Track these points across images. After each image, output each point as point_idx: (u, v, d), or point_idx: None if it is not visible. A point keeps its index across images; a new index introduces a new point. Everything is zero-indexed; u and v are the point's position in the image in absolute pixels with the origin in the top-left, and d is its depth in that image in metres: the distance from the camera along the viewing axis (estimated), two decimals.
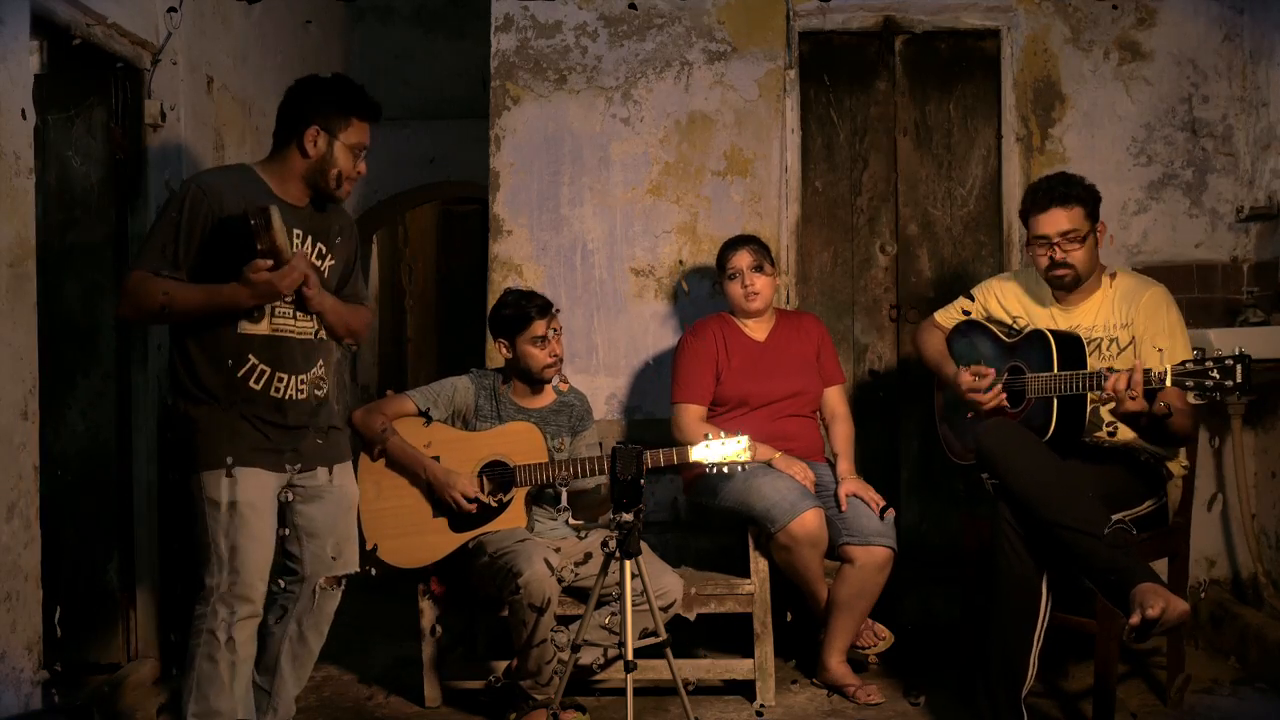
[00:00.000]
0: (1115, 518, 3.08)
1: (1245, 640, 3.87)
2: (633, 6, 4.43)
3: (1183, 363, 2.95)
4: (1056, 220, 3.33)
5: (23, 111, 2.85)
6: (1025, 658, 3.06)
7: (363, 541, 3.48)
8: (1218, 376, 2.86)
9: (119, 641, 3.53)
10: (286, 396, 2.89)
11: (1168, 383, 2.95)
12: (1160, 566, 3.38)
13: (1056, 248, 3.33)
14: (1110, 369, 3.09)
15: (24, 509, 2.84)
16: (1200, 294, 4.34)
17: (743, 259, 3.81)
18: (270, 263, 2.71)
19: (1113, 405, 3.08)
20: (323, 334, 2.98)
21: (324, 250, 2.97)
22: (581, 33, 4.48)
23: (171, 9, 3.59)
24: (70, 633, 3.20)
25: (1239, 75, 4.40)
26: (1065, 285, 3.40)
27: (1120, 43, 4.42)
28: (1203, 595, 4.19)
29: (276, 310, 2.86)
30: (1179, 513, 3.48)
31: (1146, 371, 3.00)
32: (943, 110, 4.52)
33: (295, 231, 2.87)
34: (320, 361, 2.99)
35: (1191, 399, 2.99)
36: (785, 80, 4.46)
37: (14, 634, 2.78)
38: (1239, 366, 2.83)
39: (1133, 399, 3.01)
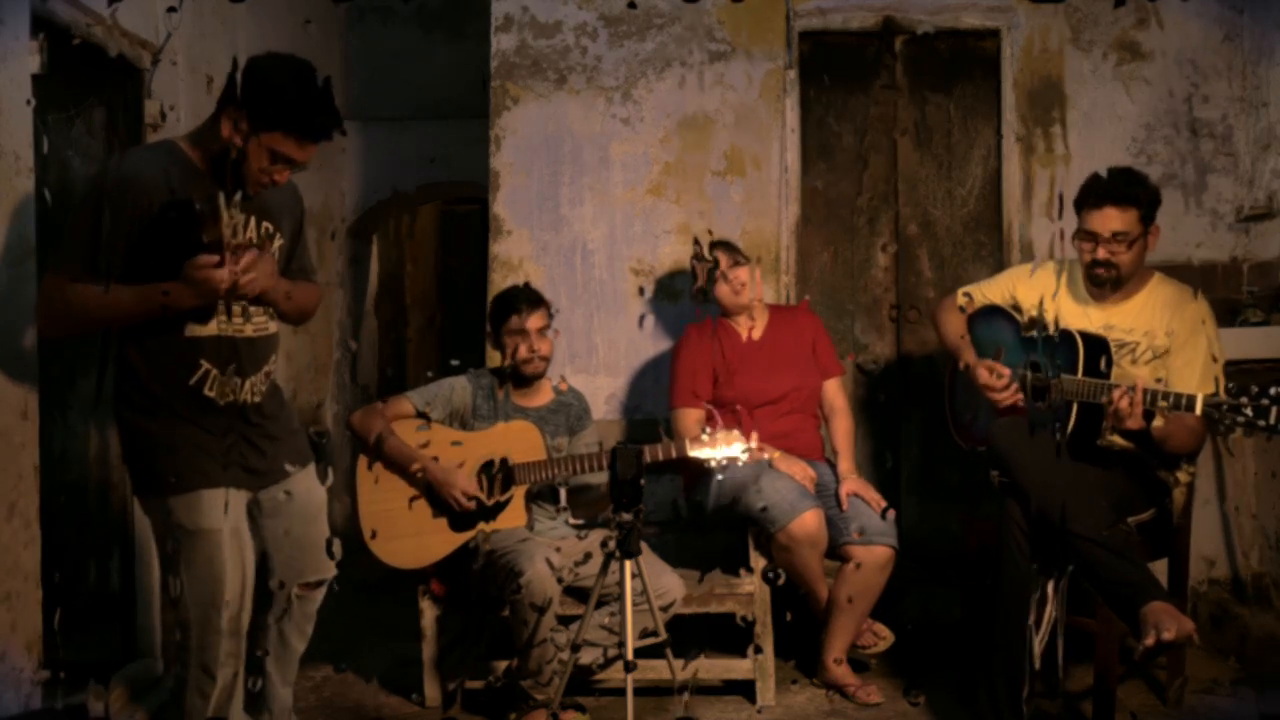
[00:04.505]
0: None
1: (1245, 640, 3.87)
2: (633, 6, 4.42)
3: (1214, 394, 2.90)
4: (1109, 219, 3.22)
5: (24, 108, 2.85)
6: (1028, 657, 3.05)
7: (362, 540, 3.49)
8: (1250, 414, 2.80)
9: (119, 641, 3.53)
10: (243, 400, 2.65)
11: (1197, 411, 2.90)
12: (1160, 567, 3.38)
13: (1103, 247, 3.23)
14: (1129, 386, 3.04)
15: (24, 509, 2.84)
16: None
17: (719, 260, 3.84)
18: (216, 258, 2.42)
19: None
20: (275, 327, 2.75)
21: (270, 229, 2.70)
22: (581, 33, 4.47)
23: (171, 9, 3.59)
24: (70, 633, 3.20)
25: (1239, 75, 4.39)
26: (1104, 284, 3.31)
27: (1120, 43, 4.42)
28: (1202, 594, 4.19)
29: (227, 309, 2.59)
30: (1180, 515, 3.48)
31: (1177, 396, 2.95)
32: (943, 110, 4.52)
33: (233, 213, 2.54)
34: (272, 358, 2.75)
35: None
36: (785, 80, 4.46)
37: (14, 634, 2.79)
38: (1275, 409, 2.75)
39: (1131, 418, 3.00)
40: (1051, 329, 3.36)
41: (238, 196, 2.54)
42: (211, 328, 2.59)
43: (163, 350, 2.57)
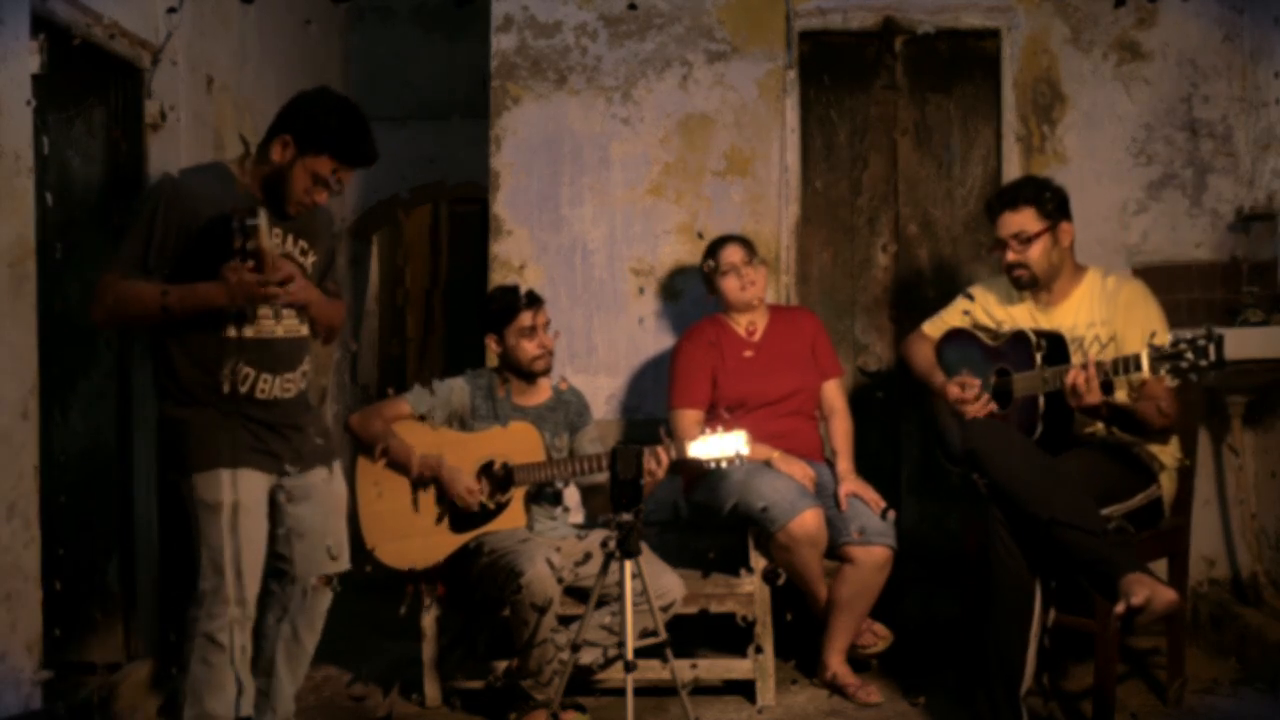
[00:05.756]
0: (1107, 512, 3.11)
1: (1245, 640, 3.87)
2: (633, 6, 4.42)
3: (1156, 347, 2.95)
4: (1006, 224, 3.41)
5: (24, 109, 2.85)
6: (1022, 657, 3.06)
7: (362, 542, 3.49)
8: (1192, 357, 2.86)
9: (119, 641, 3.53)
10: (273, 397, 2.88)
11: (1145, 368, 2.95)
12: (1160, 567, 3.38)
13: (1010, 250, 3.40)
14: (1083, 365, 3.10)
15: (24, 509, 2.84)
16: (1200, 294, 4.34)
17: (734, 254, 3.83)
18: (250, 264, 2.66)
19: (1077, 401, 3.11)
20: (306, 330, 2.97)
21: (306, 247, 2.96)
22: (581, 33, 4.48)
23: (171, 9, 3.59)
24: (70, 633, 3.20)
25: (1239, 75, 4.39)
26: (1022, 285, 3.46)
27: (1120, 43, 4.42)
28: (1203, 594, 4.19)
29: (259, 312, 2.83)
30: (1178, 512, 3.48)
31: (1125, 359, 3.01)
32: (943, 110, 4.52)
33: (275, 230, 2.84)
34: (306, 359, 2.98)
35: (1169, 381, 2.98)
36: (785, 80, 4.46)
37: (14, 634, 2.79)
38: (1211, 345, 2.83)
39: (1089, 393, 3.05)
40: (1006, 335, 3.45)
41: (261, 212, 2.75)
42: (247, 330, 2.83)
43: (201, 347, 2.81)
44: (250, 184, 2.86)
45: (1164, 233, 4.41)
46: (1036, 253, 3.38)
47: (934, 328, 3.75)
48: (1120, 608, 2.83)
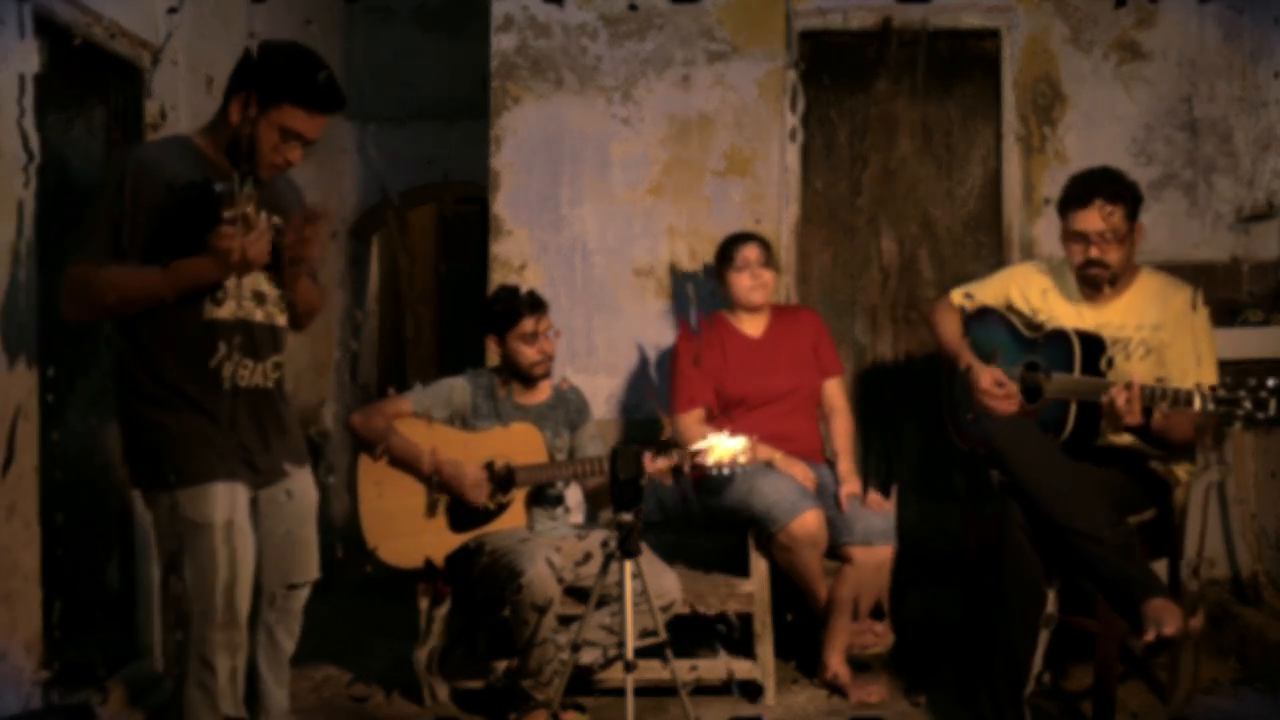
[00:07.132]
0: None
1: (1245, 640, 3.87)
2: (633, 7, 4.43)
3: (1214, 388, 2.87)
4: (1098, 218, 3.21)
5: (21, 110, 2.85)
6: (1030, 658, 3.05)
7: (363, 542, 3.49)
8: (1250, 407, 2.79)
9: (119, 641, 3.53)
10: (254, 385, 2.69)
11: (1195, 405, 2.89)
12: (1160, 567, 3.38)
13: (1094, 246, 3.23)
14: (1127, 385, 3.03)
15: (24, 509, 2.84)
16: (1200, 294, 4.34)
17: (752, 252, 3.83)
18: (237, 229, 2.48)
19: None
20: (281, 321, 2.78)
21: (279, 223, 2.74)
22: (581, 33, 4.47)
23: (172, 9, 3.59)
24: (70, 633, 3.20)
25: (1239, 75, 4.39)
26: (1098, 283, 3.32)
27: (1120, 43, 4.42)
28: (1203, 594, 4.19)
29: (241, 294, 2.65)
30: (1180, 515, 3.47)
31: (1176, 394, 2.94)
32: (943, 110, 4.53)
33: (249, 193, 2.55)
34: (281, 351, 2.79)
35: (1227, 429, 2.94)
36: (785, 80, 4.46)
37: (14, 634, 2.79)
38: (1274, 400, 2.75)
39: (1130, 415, 2.99)
40: (1044, 327, 3.38)
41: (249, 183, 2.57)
42: (229, 309, 2.62)
43: (180, 331, 2.58)
44: (214, 154, 2.65)
45: (1164, 233, 4.40)
46: (1121, 254, 3.24)
47: (968, 299, 3.61)
48: (1150, 636, 2.81)
